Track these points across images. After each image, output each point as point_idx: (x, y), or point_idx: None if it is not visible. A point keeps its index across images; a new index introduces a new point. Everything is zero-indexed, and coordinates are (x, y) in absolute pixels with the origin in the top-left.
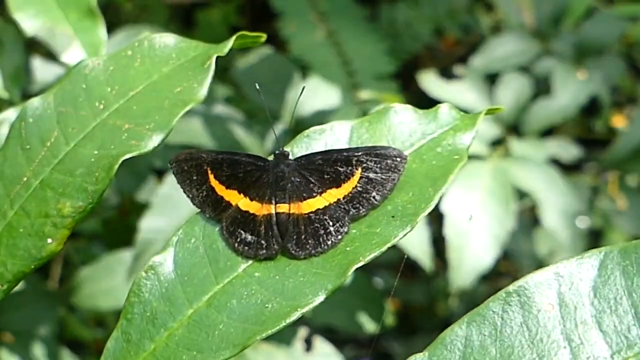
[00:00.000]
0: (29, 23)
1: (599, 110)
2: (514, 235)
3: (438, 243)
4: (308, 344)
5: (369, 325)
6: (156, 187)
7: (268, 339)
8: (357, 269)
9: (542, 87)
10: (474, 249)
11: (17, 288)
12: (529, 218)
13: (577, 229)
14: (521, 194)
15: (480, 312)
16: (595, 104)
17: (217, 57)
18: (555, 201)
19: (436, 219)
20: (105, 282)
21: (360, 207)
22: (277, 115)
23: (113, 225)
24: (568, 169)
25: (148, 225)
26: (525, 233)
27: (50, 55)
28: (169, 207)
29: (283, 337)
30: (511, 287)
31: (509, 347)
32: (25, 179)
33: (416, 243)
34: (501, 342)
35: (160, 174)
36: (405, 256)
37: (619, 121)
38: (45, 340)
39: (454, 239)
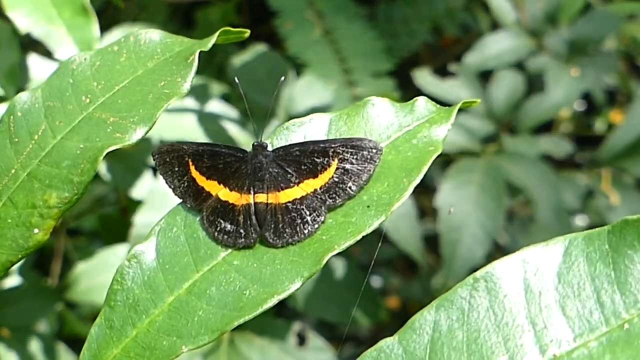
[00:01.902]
0: (23, 21)
1: (597, 107)
2: (511, 231)
3: (435, 240)
4: (301, 339)
5: (362, 320)
6: (151, 183)
7: (262, 333)
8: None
9: (535, 84)
10: (466, 244)
11: (14, 283)
12: (526, 214)
13: (570, 224)
14: (517, 190)
15: (449, 298)
16: (595, 101)
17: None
18: (548, 197)
19: (432, 215)
20: (102, 277)
21: (337, 197)
22: (272, 112)
23: (111, 222)
24: (564, 165)
25: (142, 220)
26: (522, 229)
27: (47, 53)
28: (162, 202)
29: (277, 332)
30: (478, 273)
31: (476, 331)
32: (13, 171)
33: (408, 239)
34: (468, 326)
35: (156, 170)
36: (380, 245)
37: (618, 118)
38: (42, 336)
39: (447, 234)
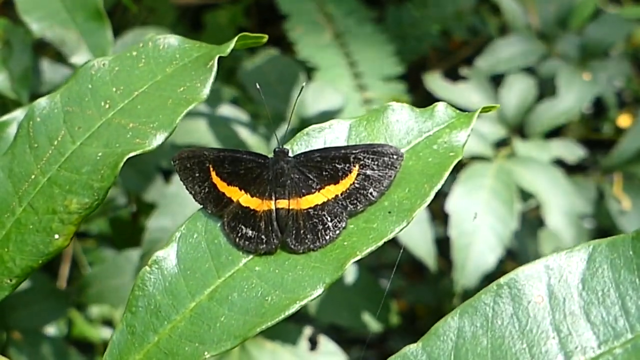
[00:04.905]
0: (37, 25)
1: (606, 111)
2: (521, 236)
3: (444, 243)
4: (312, 343)
5: (373, 325)
6: (163, 187)
7: (273, 337)
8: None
9: (547, 89)
10: (478, 249)
11: (25, 286)
12: (535, 218)
13: (581, 228)
14: (527, 195)
15: (472, 304)
16: (602, 105)
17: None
18: (559, 201)
19: (442, 219)
20: (113, 281)
21: (358, 203)
22: (282, 116)
23: (121, 225)
24: (574, 169)
25: (155, 224)
26: (531, 233)
27: (59, 57)
28: (175, 206)
29: (288, 336)
30: (502, 280)
31: (500, 337)
32: (33, 176)
33: (420, 243)
34: (492, 333)
35: (167, 174)
36: (401, 251)
37: (626, 122)
38: (52, 339)
39: (458, 239)
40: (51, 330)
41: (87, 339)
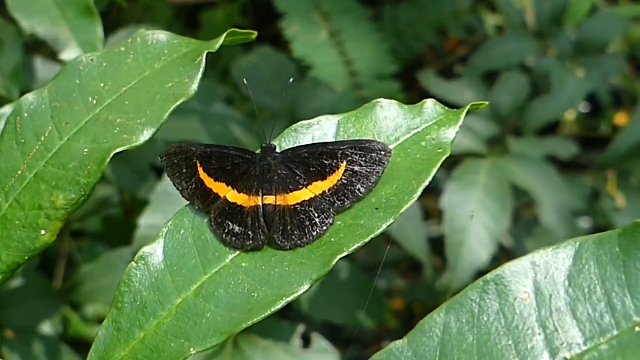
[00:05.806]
0: (27, 22)
1: (602, 108)
2: (515, 233)
3: (441, 242)
4: (305, 341)
5: (367, 323)
6: (156, 185)
7: (266, 335)
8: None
9: (541, 86)
10: (471, 246)
11: (18, 284)
12: (531, 215)
13: (574, 226)
14: (521, 192)
15: (459, 300)
16: (600, 103)
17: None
18: (553, 198)
19: (437, 217)
20: (106, 279)
21: (345, 199)
22: (278, 113)
23: (115, 224)
24: (569, 167)
25: (147, 221)
26: (526, 230)
27: (52, 55)
28: (167, 203)
29: (281, 334)
30: (488, 276)
31: (486, 333)
32: (19, 172)
33: (413, 240)
34: (478, 329)
35: (159, 171)
36: (388, 247)
37: (622, 120)
38: (46, 338)
39: (451, 235)
40: (46, 329)
41: (82, 338)
